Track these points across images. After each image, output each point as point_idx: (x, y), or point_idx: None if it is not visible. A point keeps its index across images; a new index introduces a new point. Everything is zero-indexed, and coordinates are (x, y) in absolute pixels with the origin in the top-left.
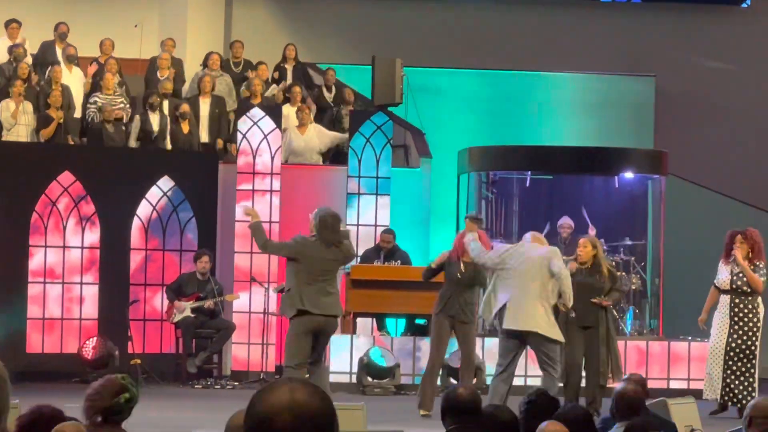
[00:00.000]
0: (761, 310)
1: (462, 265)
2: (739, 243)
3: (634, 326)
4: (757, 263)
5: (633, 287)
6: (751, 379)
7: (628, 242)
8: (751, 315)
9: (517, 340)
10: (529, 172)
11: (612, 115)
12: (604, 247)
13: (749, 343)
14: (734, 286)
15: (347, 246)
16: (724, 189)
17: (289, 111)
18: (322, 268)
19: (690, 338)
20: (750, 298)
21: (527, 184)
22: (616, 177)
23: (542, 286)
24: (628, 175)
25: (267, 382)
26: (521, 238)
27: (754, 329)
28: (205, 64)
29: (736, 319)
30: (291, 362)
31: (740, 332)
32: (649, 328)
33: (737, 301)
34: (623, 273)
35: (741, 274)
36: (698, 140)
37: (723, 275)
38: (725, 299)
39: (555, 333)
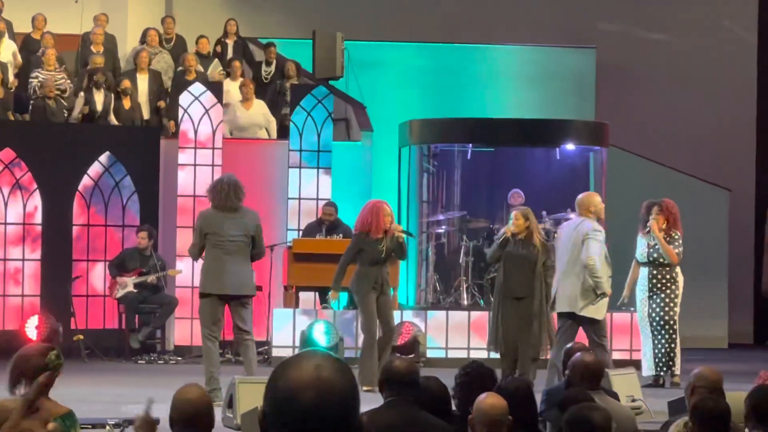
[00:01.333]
0: (680, 280)
1: (382, 240)
2: (655, 214)
3: None
4: (673, 234)
5: None
6: (670, 349)
7: (570, 214)
8: (669, 284)
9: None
10: (471, 145)
11: (553, 87)
12: (546, 219)
13: (672, 313)
14: (651, 258)
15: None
16: (664, 160)
17: (230, 86)
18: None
19: (632, 309)
20: (668, 268)
21: (468, 157)
22: (558, 149)
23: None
24: (570, 146)
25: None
26: (462, 209)
27: (674, 298)
28: (143, 41)
29: (655, 290)
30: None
31: (661, 303)
32: None
33: (655, 272)
34: None
35: (657, 246)
36: (639, 111)
37: (641, 248)
38: (644, 271)
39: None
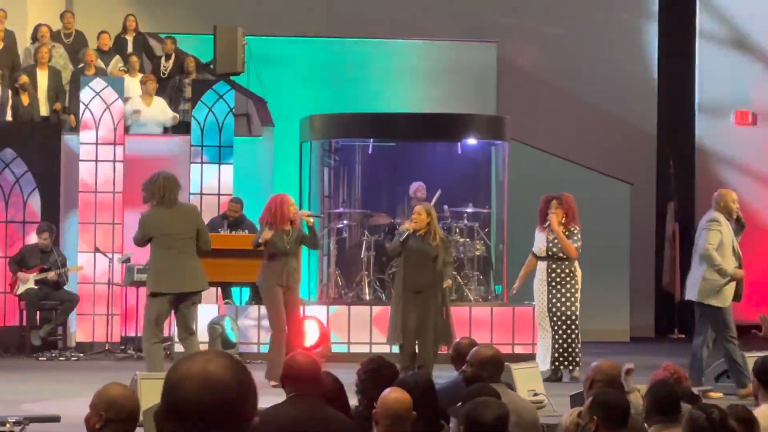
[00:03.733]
0: (578, 274)
1: (287, 234)
2: (554, 208)
3: (478, 292)
4: (572, 228)
5: (477, 253)
6: (575, 343)
7: (472, 209)
8: (568, 279)
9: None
10: (372, 140)
11: (454, 82)
12: (447, 213)
13: (573, 308)
14: (550, 253)
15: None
16: (565, 154)
17: (129, 82)
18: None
19: (534, 303)
20: (566, 263)
21: (370, 152)
22: (459, 143)
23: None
24: (471, 141)
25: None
26: (364, 204)
27: (574, 292)
28: (34, 38)
29: (554, 284)
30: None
31: (561, 298)
32: (494, 294)
33: (554, 266)
34: (467, 239)
35: (556, 240)
36: (540, 106)
37: (540, 242)
38: (542, 266)
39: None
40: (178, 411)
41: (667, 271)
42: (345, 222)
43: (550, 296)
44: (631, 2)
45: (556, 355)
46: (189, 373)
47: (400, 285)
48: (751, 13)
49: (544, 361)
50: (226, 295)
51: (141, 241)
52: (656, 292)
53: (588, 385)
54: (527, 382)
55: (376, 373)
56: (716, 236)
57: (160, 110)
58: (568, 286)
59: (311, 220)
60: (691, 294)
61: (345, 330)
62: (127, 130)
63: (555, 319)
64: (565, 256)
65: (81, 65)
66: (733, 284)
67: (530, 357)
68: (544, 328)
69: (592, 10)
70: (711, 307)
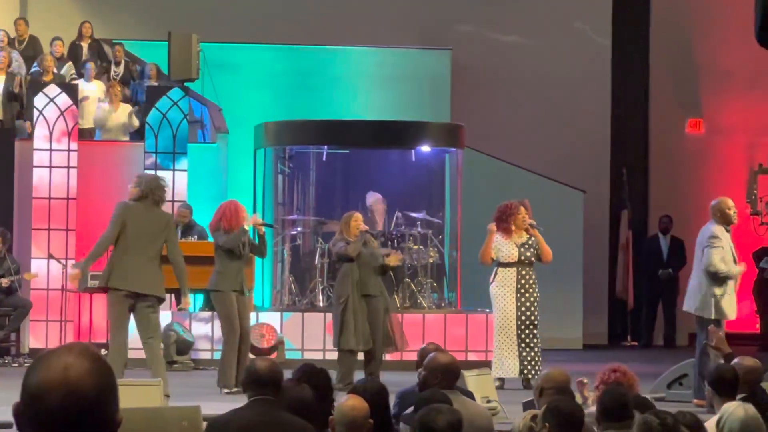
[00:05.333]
0: (537, 280)
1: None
2: (524, 213)
3: (431, 299)
4: (532, 234)
5: (431, 260)
6: (537, 350)
7: (425, 216)
8: (535, 285)
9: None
10: (326, 147)
11: (409, 89)
12: (400, 220)
13: (537, 314)
14: (523, 258)
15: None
16: (520, 161)
17: (85, 87)
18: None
19: (488, 310)
20: (532, 269)
21: (324, 159)
22: (413, 150)
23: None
24: (425, 148)
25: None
26: (318, 212)
27: (537, 299)
28: None
29: (522, 291)
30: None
31: (527, 304)
32: (447, 301)
33: (524, 272)
34: (421, 247)
35: (528, 245)
36: (494, 113)
37: (507, 248)
38: (510, 272)
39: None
40: (39, 420)
41: (621, 279)
42: (299, 229)
43: (519, 303)
44: (586, 11)
45: (527, 362)
46: (49, 382)
47: (353, 289)
48: (704, 25)
49: (501, 368)
50: (178, 301)
51: (114, 228)
52: (609, 300)
53: (538, 393)
54: (481, 390)
55: (306, 381)
56: (719, 254)
57: (126, 116)
58: (535, 292)
59: (263, 229)
60: (689, 305)
61: (299, 337)
62: (83, 136)
63: (524, 326)
64: (534, 261)
65: (37, 71)
66: (731, 298)
67: (484, 364)
68: (508, 335)
69: (547, 18)
70: (709, 320)
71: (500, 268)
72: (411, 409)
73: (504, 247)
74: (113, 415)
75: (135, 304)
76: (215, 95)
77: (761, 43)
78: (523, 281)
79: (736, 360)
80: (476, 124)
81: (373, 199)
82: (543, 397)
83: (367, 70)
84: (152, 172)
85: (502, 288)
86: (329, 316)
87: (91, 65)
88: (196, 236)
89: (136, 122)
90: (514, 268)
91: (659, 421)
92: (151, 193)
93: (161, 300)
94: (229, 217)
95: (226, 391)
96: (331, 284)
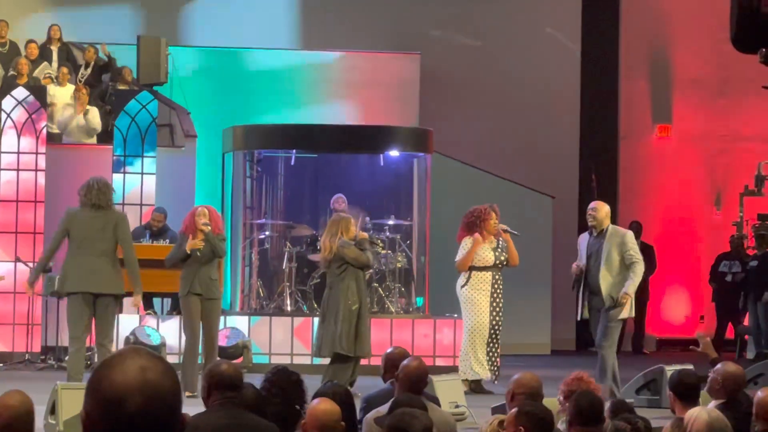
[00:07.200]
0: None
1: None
2: (495, 219)
3: (399, 304)
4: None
5: (399, 265)
6: (499, 354)
7: (394, 221)
8: (501, 290)
9: None
10: (294, 151)
11: (377, 94)
12: (368, 225)
13: (503, 319)
14: (498, 262)
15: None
16: (488, 166)
17: (55, 91)
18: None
19: (456, 316)
20: (501, 273)
21: (292, 163)
22: (381, 155)
23: None
24: (394, 153)
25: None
26: (286, 216)
27: (502, 304)
28: None
29: (494, 295)
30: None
31: (498, 309)
32: (415, 306)
33: (497, 277)
34: (389, 251)
35: (500, 249)
36: (463, 118)
37: (484, 252)
38: (487, 276)
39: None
40: (120, 426)
41: None
42: (267, 233)
43: (492, 307)
44: (556, 17)
45: (495, 367)
46: (128, 385)
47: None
48: (673, 32)
49: (472, 371)
50: (148, 305)
51: (58, 236)
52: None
53: (509, 397)
54: (449, 395)
55: (275, 384)
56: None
57: (92, 118)
58: (501, 296)
59: (206, 228)
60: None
61: (266, 341)
62: (51, 139)
63: (495, 330)
64: (505, 265)
65: (12, 74)
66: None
67: (452, 369)
68: (481, 338)
69: (516, 23)
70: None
71: (475, 272)
72: (380, 409)
73: (480, 251)
74: (183, 415)
75: (94, 303)
76: (184, 99)
77: (737, 47)
78: (495, 285)
79: (719, 366)
80: (445, 129)
81: (333, 198)
82: (514, 402)
83: (335, 74)
84: (120, 175)
85: (477, 291)
86: (297, 320)
87: (64, 69)
88: (168, 240)
89: (97, 123)
90: (490, 272)
91: (631, 426)
92: (93, 197)
93: (117, 297)
94: (187, 222)
95: (188, 394)
96: (299, 289)
